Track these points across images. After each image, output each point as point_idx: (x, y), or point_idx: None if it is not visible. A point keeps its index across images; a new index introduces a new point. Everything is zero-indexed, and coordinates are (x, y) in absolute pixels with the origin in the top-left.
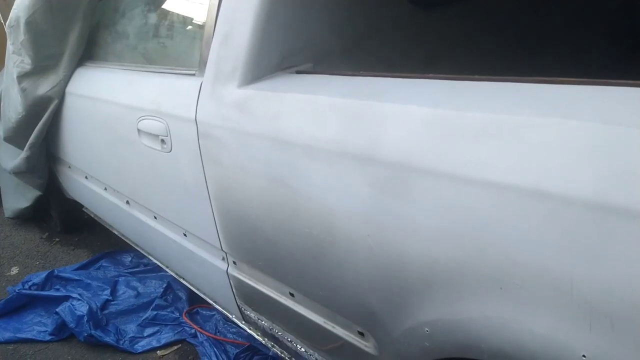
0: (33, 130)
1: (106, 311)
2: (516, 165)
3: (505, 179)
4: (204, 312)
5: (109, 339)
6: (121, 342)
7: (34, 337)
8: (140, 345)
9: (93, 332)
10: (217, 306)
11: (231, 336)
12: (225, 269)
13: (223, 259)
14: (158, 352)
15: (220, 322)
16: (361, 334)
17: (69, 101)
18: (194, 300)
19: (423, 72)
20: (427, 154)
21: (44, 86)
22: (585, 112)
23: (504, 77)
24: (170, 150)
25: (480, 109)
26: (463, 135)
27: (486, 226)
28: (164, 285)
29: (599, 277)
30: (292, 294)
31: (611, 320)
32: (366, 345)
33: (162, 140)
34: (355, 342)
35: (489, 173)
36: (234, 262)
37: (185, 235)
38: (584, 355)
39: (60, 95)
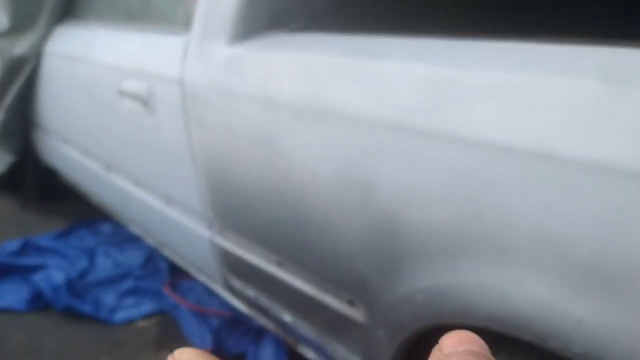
0: (8, 92)
1: (84, 281)
2: (519, 126)
3: (507, 141)
4: (186, 284)
5: (87, 309)
6: (100, 312)
7: (9, 306)
8: (120, 316)
9: (70, 302)
10: (200, 276)
11: (214, 307)
12: (211, 237)
13: (208, 226)
14: (138, 323)
15: (203, 293)
16: (351, 302)
17: (46, 61)
18: (176, 272)
19: (423, 31)
20: (426, 115)
21: (21, 46)
22: (590, 72)
23: (506, 36)
24: (154, 113)
25: (482, 68)
26: (464, 95)
27: (486, 189)
28: (145, 255)
29: (600, 241)
30: (280, 263)
31: (610, 284)
32: (356, 313)
33: (145, 102)
34: (345, 311)
35: (490, 134)
36: (220, 230)
37: (168, 202)
38: (580, 319)
39: (38, 56)
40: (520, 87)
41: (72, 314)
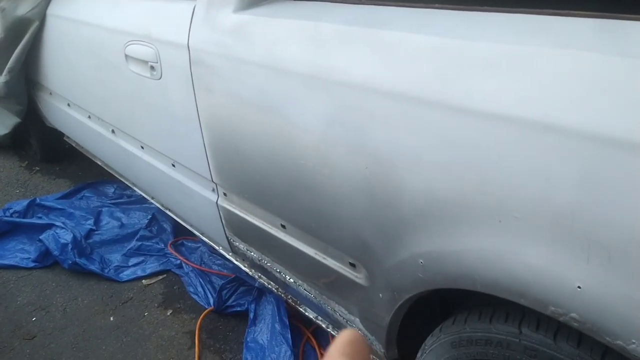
0: (12, 54)
1: (90, 240)
2: (525, 98)
3: (512, 111)
4: (189, 244)
5: (94, 267)
6: (106, 270)
7: (16, 264)
8: (125, 274)
9: (77, 259)
10: (203, 238)
11: (216, 268)
12: (215, 200)
13: (213, 190)
14: (143, 281)
15: (206, 254)
16: (352, 265)
17: (51, 23)
18: (179, 232)
19: (431, 2)
20: (432, 85)
21: (25, 6)
22: (599, 44)
23: (512, 8)
24: (160, 77)
25: (490, 39)
26: (471, 65)
27: (490, 159)
28: (149, 216)
29: (601, 210)
30: (283, 226)
31: (609, 252)
32: (357, 276)
33: (152, 67)
34: (346, 273)
35: (496, 105)
36: (224, 194)
37: (173, 165)
38: (579, 286)
39: (42, 17)
40: (525, 59)
41: (79, 272)
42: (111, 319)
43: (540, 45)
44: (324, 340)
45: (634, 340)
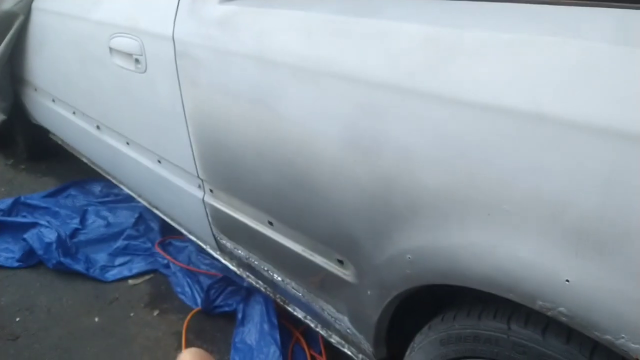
0: None
1: (75, 240)
2: (515, 87)
3: (503, 102)
4: (177, 244)
5: (79, 267)
6: (91, 270)
7: (0, 264)
8: (111, 274)
9: (62, 259)
10: (191, 236)
11: (204, 267)
12: (202, 197)
13: (199, 186)
14: (129, 281)
15: (193, 253)
16: (340, 262)
17: (35, 17)
18: (167, 231)
19: None
20: (422, 75)
21: (9, 0)
22: (589, 32)
23: None
24: (145, 71)
25: (480, 27)
26: (460, 54)
27: (479, 151)
28: (136, 215)
29: (591, 203)
30: (270, 223)
31: (600, 247)
32: (345, 273)
33: (136, 60)
34: (334, 270)
35: (486, 95)
36: (211, 190)
37: (159, 162)
38: (567, 280)
39: (27, 11)
40: (518, 48)
41: (64, 272)
42: (96, 319)
43: (531, 34)
44: (314, 340)
45: (623, 335)
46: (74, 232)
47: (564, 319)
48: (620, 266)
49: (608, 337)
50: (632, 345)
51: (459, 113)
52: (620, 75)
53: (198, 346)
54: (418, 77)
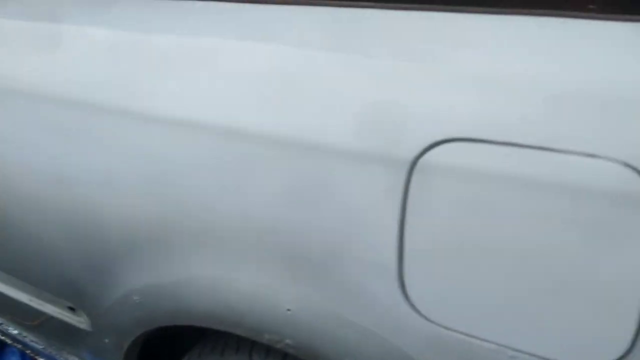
0: None
1: None
2: (207, 100)
3: (196, 117)
4: None
5: None
6: None
7: None
8: None
9: None
10: None
11: None
12: None
13: None
14: None
15: None
16: (72, 309)
17: None
18: None
19: None
20: (108, 88)
21: None
22: (284, 36)
23: None
24: None
25: (167, 31)
26: (148, 64)
27: (183, 173)
28: None
29: (298, 224)
30: None
31: (312, 270)
32: (79, 320)
33: None
34: (67, 319)
35: (178, 110)
36: None
37: None
38: (288, 309)
39: None
40: (207, 54)
41: None
42: None
43: (222, 38)
44: None
45: None
46: None
47: (292, 351)
48: (335, 288)
49: None
50: None
51: (153, 132)
52: (310, 83)
53: None
54: (103, 91)
